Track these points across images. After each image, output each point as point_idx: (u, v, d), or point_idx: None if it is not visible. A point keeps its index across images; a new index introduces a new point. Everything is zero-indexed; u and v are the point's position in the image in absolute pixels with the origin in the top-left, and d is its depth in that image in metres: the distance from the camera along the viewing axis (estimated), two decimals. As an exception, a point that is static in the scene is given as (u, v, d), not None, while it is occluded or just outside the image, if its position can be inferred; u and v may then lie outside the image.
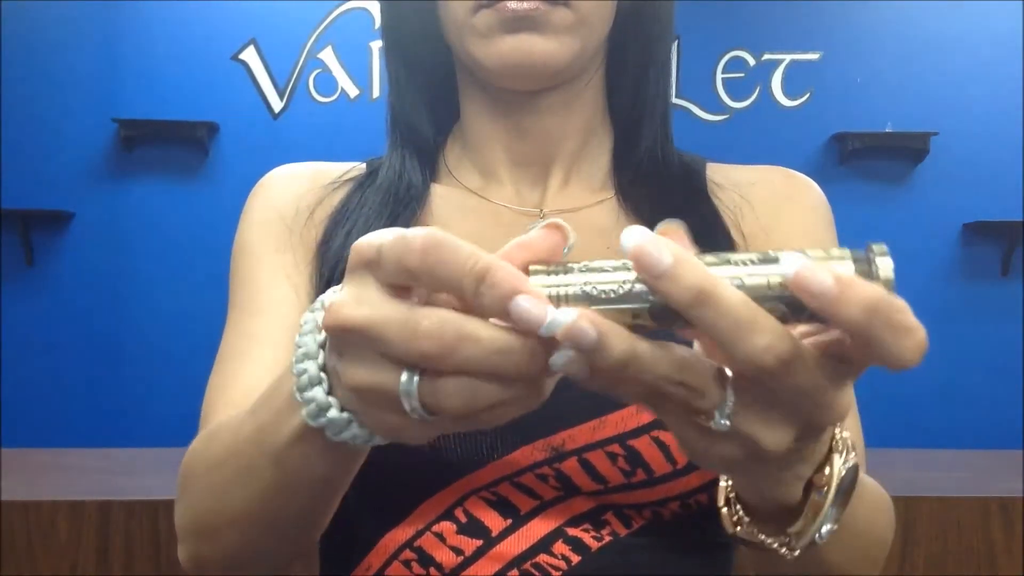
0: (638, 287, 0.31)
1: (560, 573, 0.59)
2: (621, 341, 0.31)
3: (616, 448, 0.58)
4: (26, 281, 3.75)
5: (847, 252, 0.32)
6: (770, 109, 3.85)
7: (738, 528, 0.45)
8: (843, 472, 0.40)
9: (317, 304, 0.39)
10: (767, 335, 0.30)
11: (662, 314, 0.31)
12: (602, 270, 0.32)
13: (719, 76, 3.84)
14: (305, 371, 0.39)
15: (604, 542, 0.60)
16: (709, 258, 0.32)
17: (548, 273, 0.32)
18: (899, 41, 3.83)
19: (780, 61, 3.84)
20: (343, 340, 0.35)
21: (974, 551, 1.29)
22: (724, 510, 0.45)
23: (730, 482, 0.45)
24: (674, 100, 3.82)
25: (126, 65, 3.74)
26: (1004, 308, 3.84)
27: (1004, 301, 3.85)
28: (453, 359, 0.32)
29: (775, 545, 0.43)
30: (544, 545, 0.60)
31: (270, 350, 0.64)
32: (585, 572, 0.59)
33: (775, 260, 0.31)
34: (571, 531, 0.60)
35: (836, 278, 0.29)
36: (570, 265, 0.32)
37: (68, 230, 3.77)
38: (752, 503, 0.43)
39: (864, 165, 3.84)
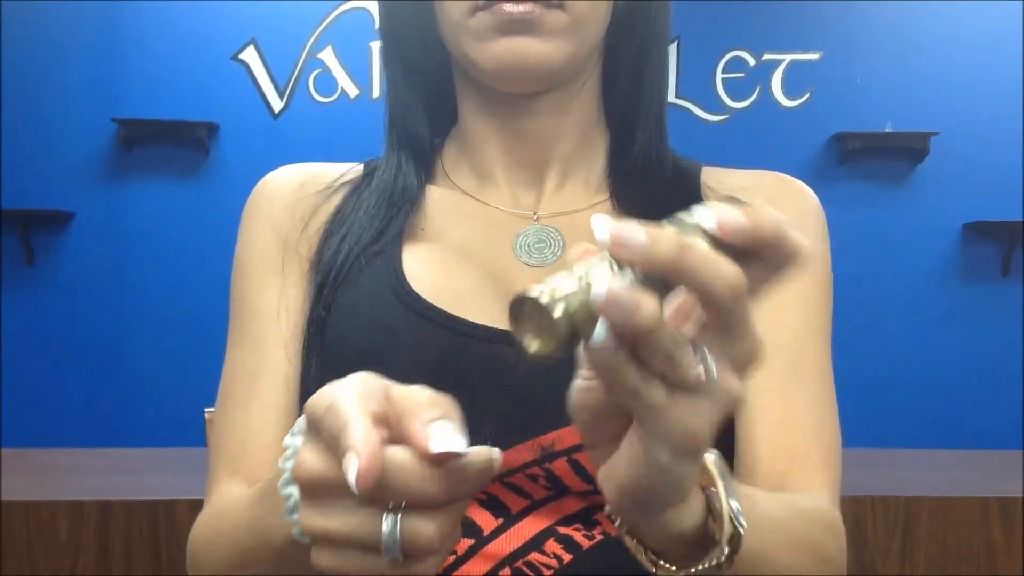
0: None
1: (552, 572, 0.59)
2: (650, 299, 0.32)
3: None
4: (26, 281, 3.75)
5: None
6: (770, 109, 3.85)
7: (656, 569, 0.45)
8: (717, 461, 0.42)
9: (296, 428, 0.42)
10: (727, 265, 0.33)
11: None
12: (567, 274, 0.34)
13: (719, 76, 3.84)
14: (291, 495, 0.41)
15: (595, 541, 0.60)
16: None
17: (544, 282, 0.34)
18: (899, 41, 3.83)
19: (780, 61, 3.84)
20: (313, 491, 0.37)
21: (974, 551, 1.29)
22: (641, 556, 0.45)
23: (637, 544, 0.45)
24: (674, 100, 3.85)
25: (126, 65, 3.74)
26: (1004, 308, 3.84)
27: (1004, 301, 3.85)
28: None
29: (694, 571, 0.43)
30: (536, 544, 0.60)
31: (269, 388, 0.66)
32: (577, 571, 0.59)
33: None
34: (562, 530, 0.60)
35: (647, 231, 0.33)
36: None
37: (68, 230, 3.77)
38: (657, 546, 0.43)
39: (864, 165, 3.84)
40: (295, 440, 0.42)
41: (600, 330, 0.32)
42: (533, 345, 0.34)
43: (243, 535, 0.52)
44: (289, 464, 0.42)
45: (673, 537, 0.41)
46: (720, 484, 0.42)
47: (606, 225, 0.33)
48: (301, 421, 0.41)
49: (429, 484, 0.35)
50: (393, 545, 0.36)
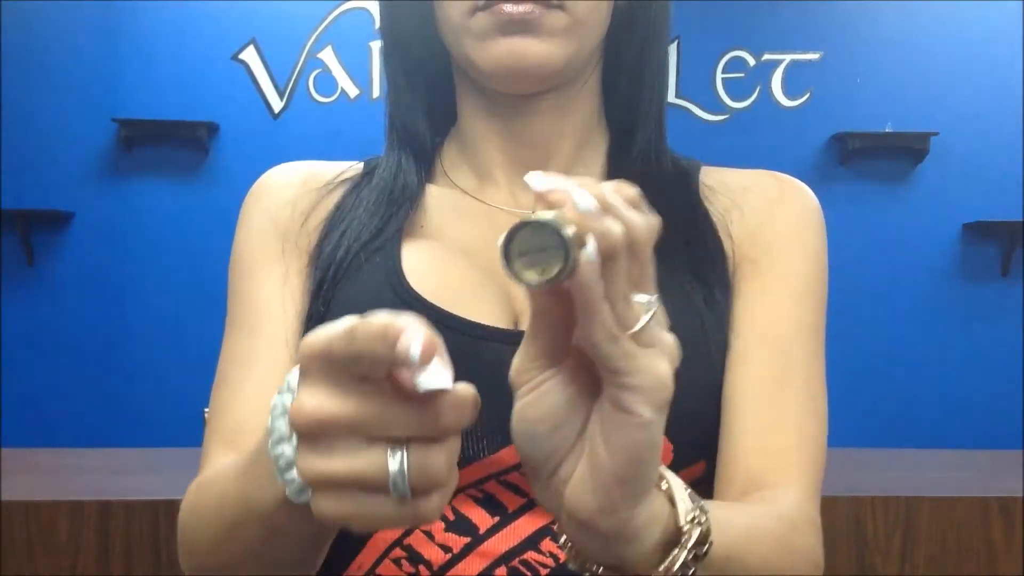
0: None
1: (547, 571, 0.59)
2: (615, 220, 0.35)
3: None
4: (26, 281, 3.75)
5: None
6: (770, 109, 3.85)
7: None
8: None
9: (284, 387, 0.41)
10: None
11: None
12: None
13: (719, 76, 3.85)
14: (282, 454, 0.41)
15: None
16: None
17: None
18: (899, 41, 3.83)
19: (780, 61, 3.84)
20: (318, 434, 0.36)
21: (974, 551, 1.29)
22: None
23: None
24: (674, 100, 3.84)
25: (126, 65, 3.74)
26: (1004, 308, 3.84)
27: (1004, 301, 3.85)
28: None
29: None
30: (531, 542, 0.60)
31: (265, 372, 0.66)
32: (573, 570, 0.59)
33: None
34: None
35: (575, 179, 0.36)
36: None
37: (68, 230, 3.77)
38: (634, 567, 0.43)
39: (864, 165, 3.84)
40: (284, 398, 0.41)
41: (591, 247, 0.34)
42: (534, 277, 0.34)
43: (229, 505, 0.51)
44: (280, 423, 0.41)
45: (649, 550, 0.41)
46: (667, 473, 0.43)
47: (542, 178, 0.36)
48: (290, 379, 0.40)
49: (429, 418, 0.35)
50: (402, 480, 0.35)
